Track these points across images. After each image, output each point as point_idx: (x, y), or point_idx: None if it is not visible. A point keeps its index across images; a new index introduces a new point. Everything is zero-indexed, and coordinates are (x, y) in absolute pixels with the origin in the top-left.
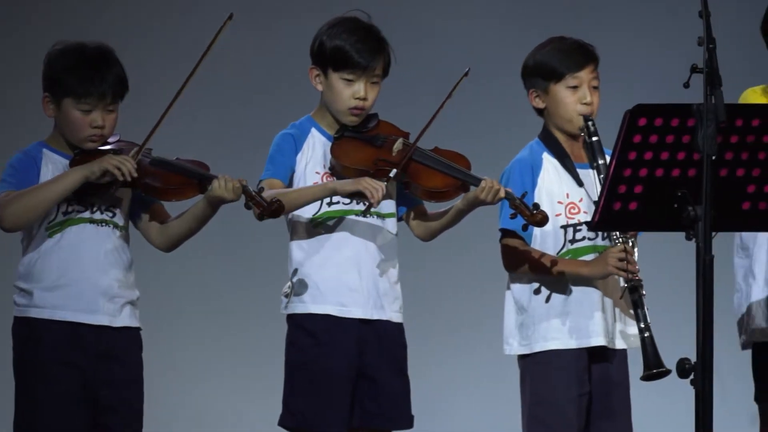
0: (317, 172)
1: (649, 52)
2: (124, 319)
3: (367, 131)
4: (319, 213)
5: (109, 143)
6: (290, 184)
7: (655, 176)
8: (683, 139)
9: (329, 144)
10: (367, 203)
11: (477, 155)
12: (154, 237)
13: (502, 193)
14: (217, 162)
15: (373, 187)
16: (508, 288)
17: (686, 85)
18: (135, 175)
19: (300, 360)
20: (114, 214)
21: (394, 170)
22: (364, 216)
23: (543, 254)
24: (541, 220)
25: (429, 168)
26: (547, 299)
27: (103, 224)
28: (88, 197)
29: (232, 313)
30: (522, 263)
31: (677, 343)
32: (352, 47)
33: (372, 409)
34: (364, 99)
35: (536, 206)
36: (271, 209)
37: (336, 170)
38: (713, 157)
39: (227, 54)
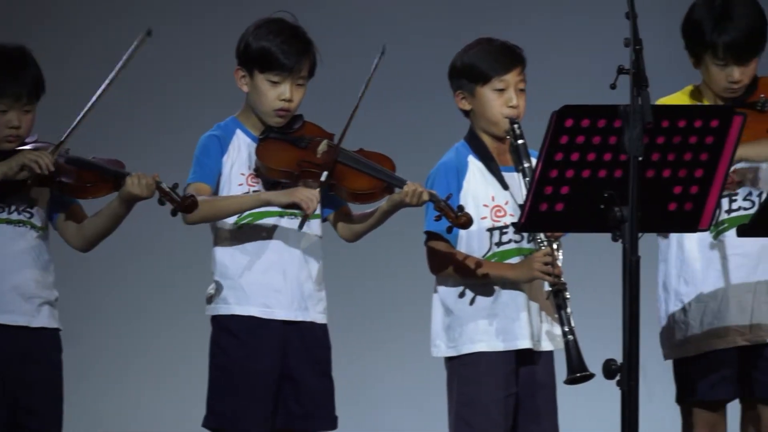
0: (242, 174)
1: (576, 53)
2: (43, 319)
3: (292, 132)
4: (243, 214)
5: (26, 143)
6: (217, 187)
7: (582, 177)
8: (610, 140)
9: (254, 145)
10: (301, 215)
11: (403, 156)
12: (71, 237)
13: (425, 196)
14: (134, 161)
15: (308, 198)
16: (435, 290)
17: (613, 86)
18: (52, 168)
19: (224, 361)
20: (31, 215)
21: (325, 173)
22: (300, 229)
23: (468, 257)
24: (466, 222)
25: (354, 170)
26: (472, 302)
27: (20, 224)
28: (5, 197)
29: (156, 314)
30: (447, 266)
31: (604, 344)
32: (278, 48)
33: (295, 410)
34: (290, 101)
35: (461, 208)
36: (185, 205)
37: (261, 172)
38: (640, 158)
39: (149, 52)
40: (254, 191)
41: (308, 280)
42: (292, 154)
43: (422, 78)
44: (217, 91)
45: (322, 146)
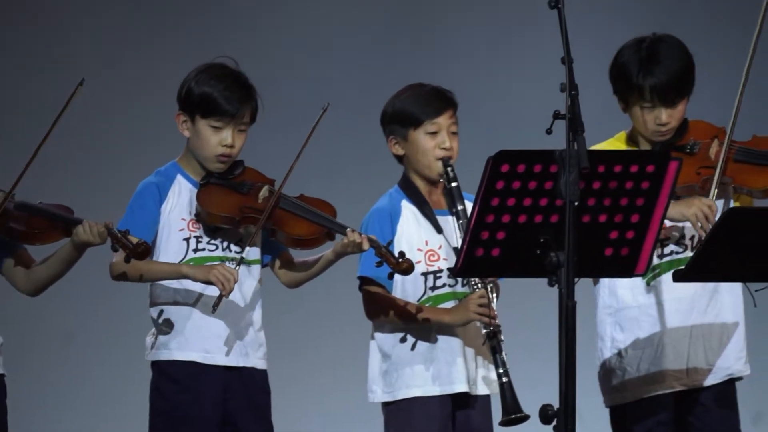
0: (183, 219)
1: (513, 97)
2: None
3: (233, 178)
4: (185, 260)
5: None
6: (155, 235)
7: (518, 222)
8: (546, 185)
9: (195, 190)
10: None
11: (342, 202)
12: (19, 282)
13: (365, 246)
14: (84, 205)
15: (225, 277)
16: (372, 336)
17: (549, 131)
18: None
19: (164, 407)
20: None
21: (242, 256)
22: (213, 312)
23: (408, 303)
24: (407, 268)
25: (295, 215)
26: (413, 347)
27: None
28: None
29: (98, 359)
30: (386, 311)
31: (541, 389)
32: (221, 94)
33: None
34: (231, 146)
35: (402, 255)
36: (138, 251)
37: (202, 217)
38: (576, 203)
39: (94, 97)
40: (195, 236)
41: (249, 326)
42: (233, 200)
43: (358, 123)
44: (161, 135)
45: (264, 192)
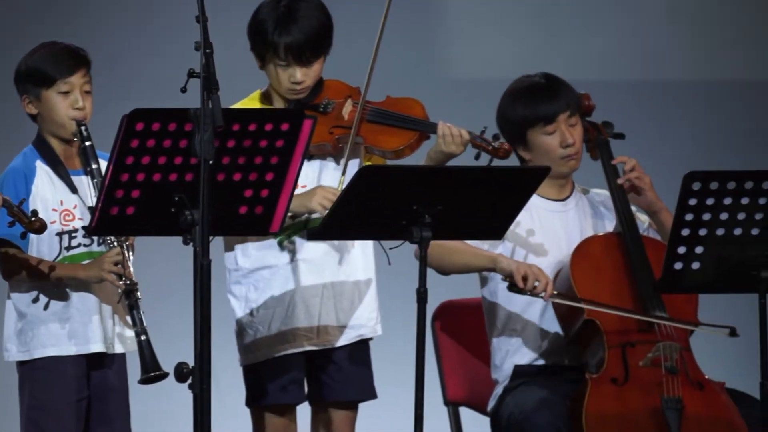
0: None
1: (150, 56)
2: None
3: None
4: None
5: None
6: None
7: (153, 181)
8: (180, 144)
9: None
10: None
11: None
12: None
13: None
14: None
15: None
16: (8, 296)
17: (183, 90)
18: None
19: None
20: None
21: None
22: None
23: (41, 261)
24: (40, 227)
25: None
26: (46, 306)
27: None
28: None
29: None
30: (20, 271)
31: (178, 347)
32: None
33: None
34: None
35: (34, 213)
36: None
37: None
38: (210, 162)
39: None
40: None
41: None
42: None
43: None
44: None
45: None
